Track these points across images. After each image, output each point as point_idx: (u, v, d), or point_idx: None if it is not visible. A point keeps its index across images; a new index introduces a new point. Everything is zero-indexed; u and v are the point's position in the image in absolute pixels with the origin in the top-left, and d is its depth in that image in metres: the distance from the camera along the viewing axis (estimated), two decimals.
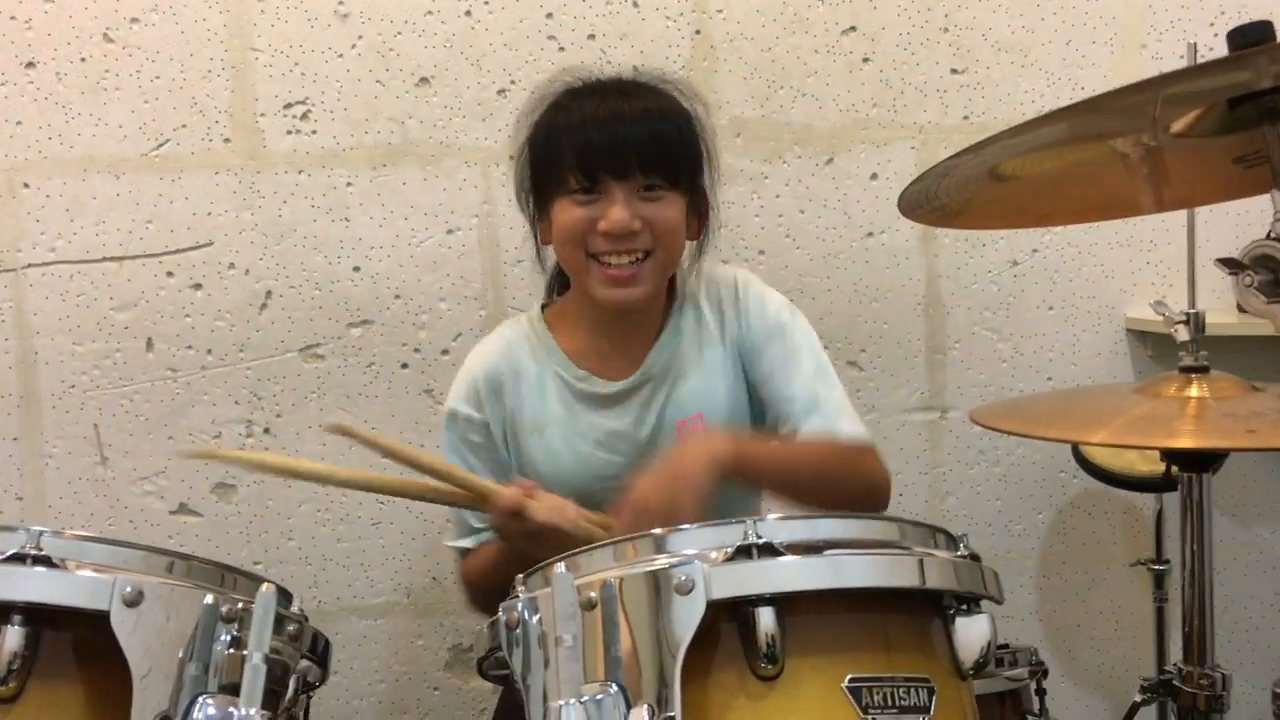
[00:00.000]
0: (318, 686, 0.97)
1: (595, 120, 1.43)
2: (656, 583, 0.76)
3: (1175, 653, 1.77)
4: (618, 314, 1.51)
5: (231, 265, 1.92)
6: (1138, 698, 1.55)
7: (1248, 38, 0.90)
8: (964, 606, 0.85)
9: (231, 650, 0.78)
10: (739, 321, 1.54)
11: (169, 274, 1.91)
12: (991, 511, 2.09)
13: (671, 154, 1.44)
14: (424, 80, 1.93)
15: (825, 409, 1.45)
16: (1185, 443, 1.15)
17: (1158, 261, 2.06)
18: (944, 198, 1.15)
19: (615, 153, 1.40)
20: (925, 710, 0.78)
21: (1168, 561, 1.96)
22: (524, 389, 1.54)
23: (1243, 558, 2.14)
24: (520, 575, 0.87)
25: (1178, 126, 1.04)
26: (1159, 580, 1.97)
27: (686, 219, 1.48)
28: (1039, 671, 1.15)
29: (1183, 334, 1.33)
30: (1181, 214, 1.92)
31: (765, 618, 0.75)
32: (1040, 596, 2.12)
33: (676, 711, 0.73)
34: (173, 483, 1.95)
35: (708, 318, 1.55)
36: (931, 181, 1.11)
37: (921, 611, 0.84)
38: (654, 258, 1.44)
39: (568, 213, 1.43)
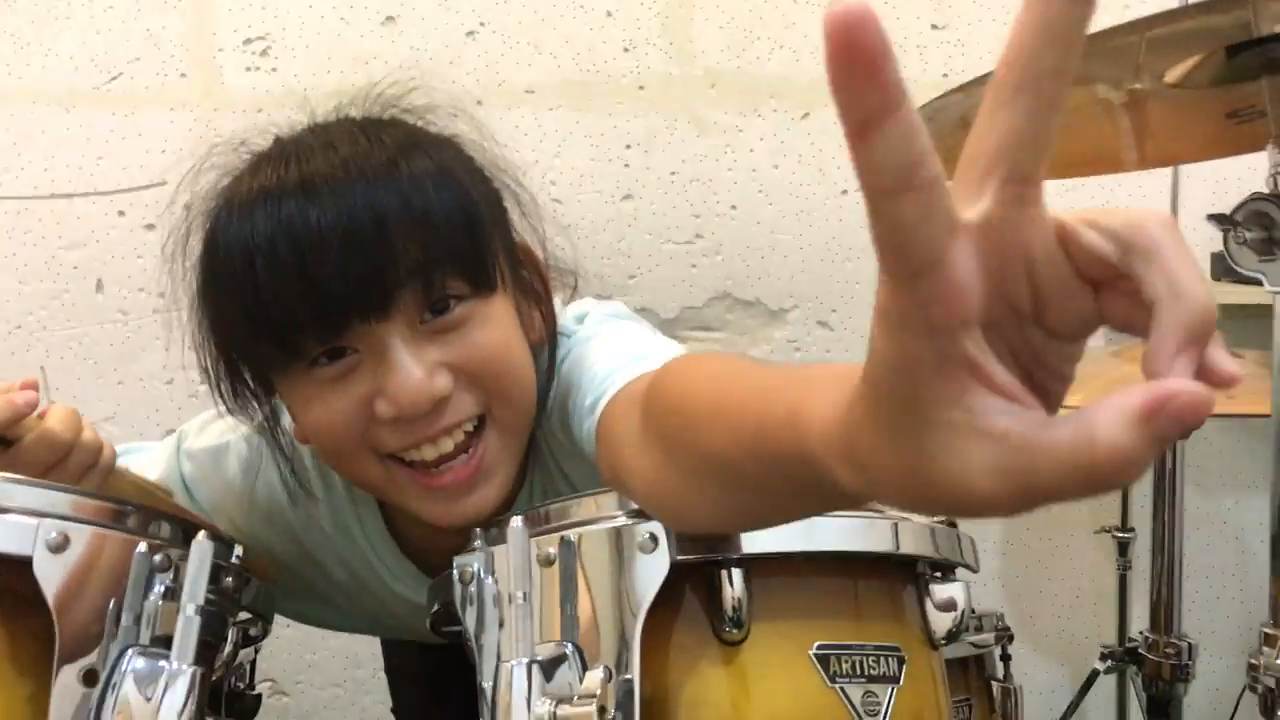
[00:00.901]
0: (260, 640, 0.93)
1: (298, 212, 0.81)
2: (619, 540, 0.73)
3: (1136, 622, 1.76)
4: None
5: (186, 206, 1.85)
6: (1099, 665, 1.54)
7: None
8: (938, 574, 0.82)
9: (165, 601, 0.73)
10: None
11: (120, 213, 1.84)
12: None
13: (447, 240, 0.84)
14: (390, 19, 1.87)
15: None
16: None
17: None
18: None
19: (342, 278, 0.80)
20: (895, 680, 0.75)
21: (1133, 530, 1.95)
22: (317, 552, 1.06)
23: (1205, 528, 2.14)
24: (479, 529, 0.82)
25: (1172, 76, 1.01)
26: (1123, 548, 1.96)
27: (521, 322, 0.91)
28: (1004, 637, 1.13)
29: None
30: (1160, 181, 1.89)
31: (732, 580, 0.72)
32: (1003, 562, 2.11)
33: (635, 674, 0.69)
34: (122, 428, 1.89)
35: (550, 443, 0.98)
36: None
37: (895, 578, 0.81)
38: (495, 422, 0.88)
39: (317, 406, 0.85)
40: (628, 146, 1.92)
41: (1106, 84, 1.00)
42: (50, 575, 0.67)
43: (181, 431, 1.08)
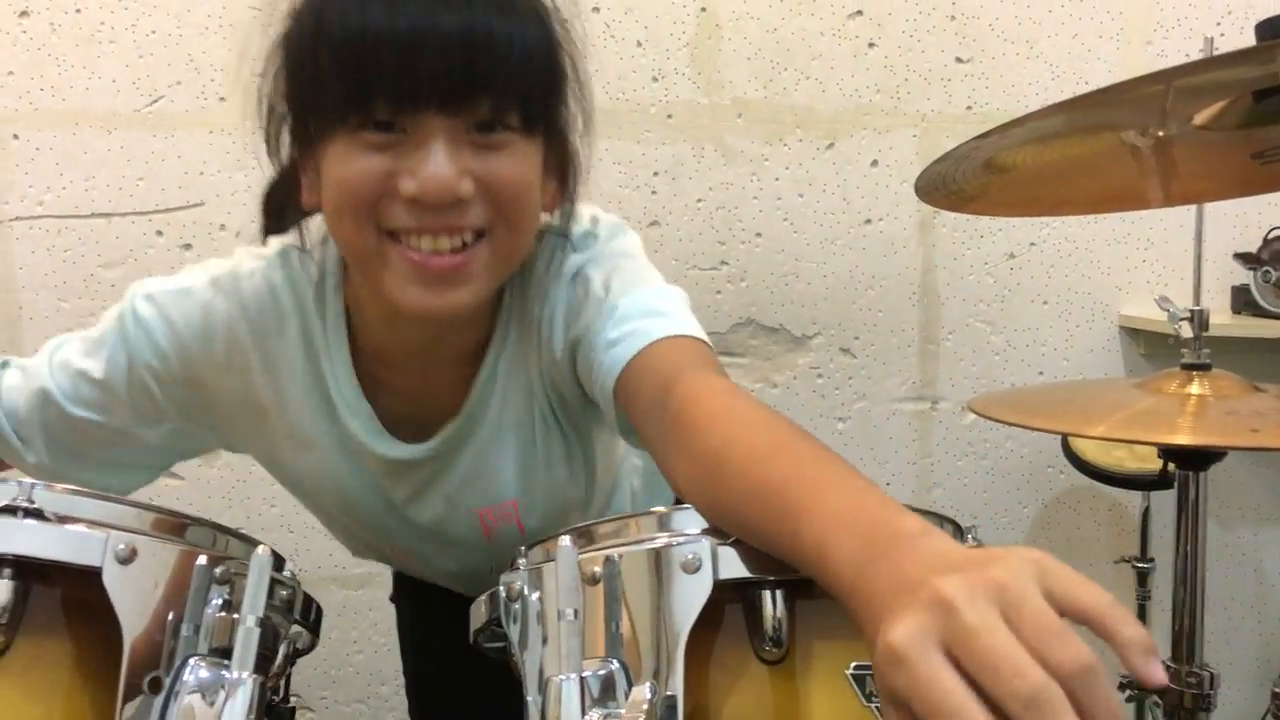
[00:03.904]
0: (306, 653, 0.95)
1: (398, 8, 0.87)
2: (662, 560, 0.75)
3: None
4: (426, 329, 1.03)
5: (222, 226, 1.89)
6: (1118, 694, 1.55)
7: (1277, 30, 0.89)
8: None
9: (223, 613, 0.76)
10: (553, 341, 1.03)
11: (158, 233, 1.88)
12: (978, 504, 2.09)
13: (525, 75, 0.90)
14: None
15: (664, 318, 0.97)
16: (1185, 439, 1.15)
17: (1154, 259, 2.05)
18: (960, 182, 1.14)
19: (433, 66, 0.86)
20: None
21: (1152, 560, 1.96)
22: (281, 379, 1.07)
23: (1224, 558, 2.15)
24: (522, 547, 0.85)
25: (1200, 119, 1.03)
26: (1142, 578, 1.98)
27: (544, 179, 0.98)
28: None
29: (1186, 331, 1.32)
30: (1179, 213, 1.92)
31: (773, 601, 0.74)
32: None
33: (679, 690, 0.71)
34: None
35: (536, 336, 1.04)
36: (951, 164, 1.10)
37: None
38: (492, 240, 0.94)
39: (349, 163, 0.90)
40: (655, 174, 1.96)
41: (1134, 130, 1.03)
42: (119, 586, 0.69)
43: (134, 289, 1.09)
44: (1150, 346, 2.05)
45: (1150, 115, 1.02)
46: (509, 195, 0.92)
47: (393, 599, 1.54)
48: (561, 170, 1.01)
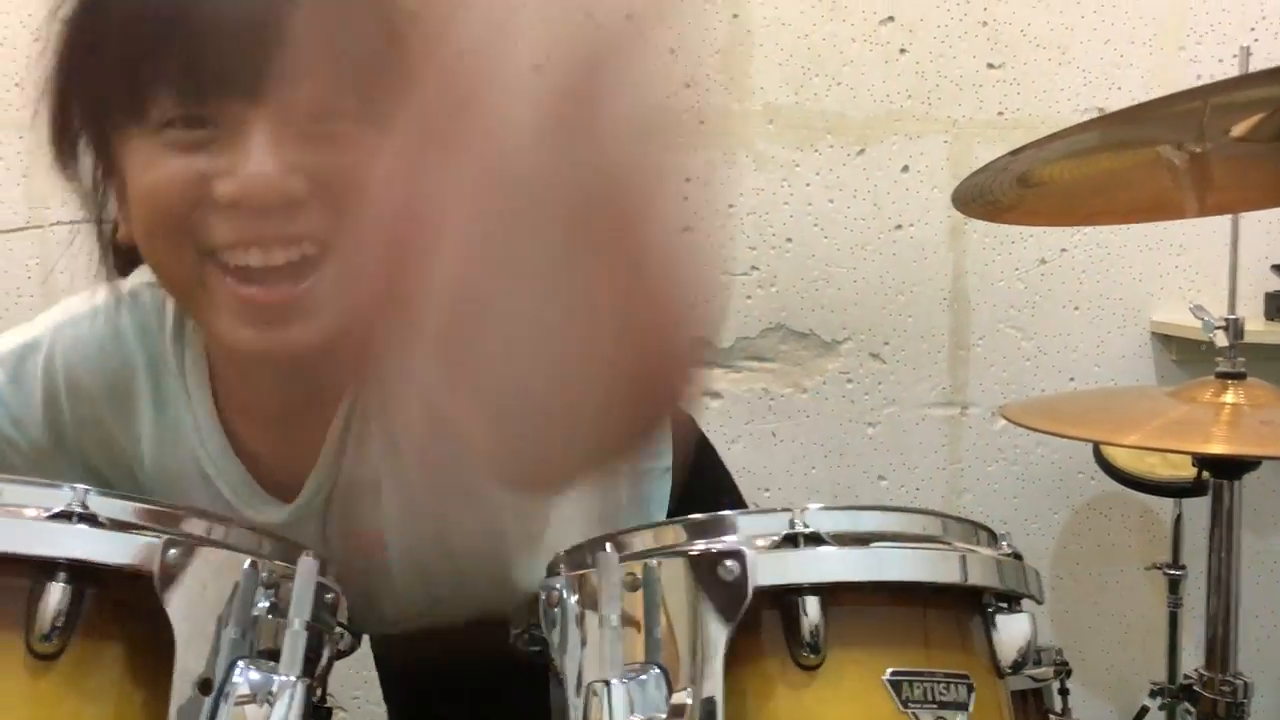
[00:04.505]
0: (347, 654, 0.97)
1: None
2: (701, 566, 0.76)
3: (1188, 659, 1.77)
4: (281, 372, 0.87)
5: None
6: (1148, 702, 1.55)
7: None
8: (1004, 605, 0.85)
9: (269, 616, 0.77)
10: None
11: None
12: (1008, 509, 2.09)
13: (361, 48, 0.69)
14: None
15: None
16: (1220, 448, 1.15)
17: (1186, 265, 2.05)
18: (996, 194, 1.15)
19: (240, 43, 0.72)
20: (964, 707, 0.78)
21: (1184, 567, 1.96)
22: (141, 438, 0.93)
23: (1256, 566, 2.14)
24: (561, 552, 0.86)
25: (1237, 131, 1.03)
26: (1174, 585, 1.97)
27: None
28: (1063, 671, 1.14)
29: (1221, 339, 1.32)
30: (1212, 219, 1.91)
31: (810, 607, 0.75)
32: (1053, 596, 2.12)
33: (719, 694, 0.72)
34: None
35: None
36: (986, 177, 1.10)
37: (962, 608, 0.83)
38: (333, 256, 0.75)
39: (153, 168, 0.75)
40: (687, 179, 1.96)
41: (1170, 145, 1.03)
42: (172, 591, 0.71)
43: None
44: (1182, 352, 2.05)
45: (1186, 130, 1.02)
46: (352, 196, 0.71)
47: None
48: None
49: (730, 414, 1.98)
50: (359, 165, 0.74)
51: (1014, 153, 1.03)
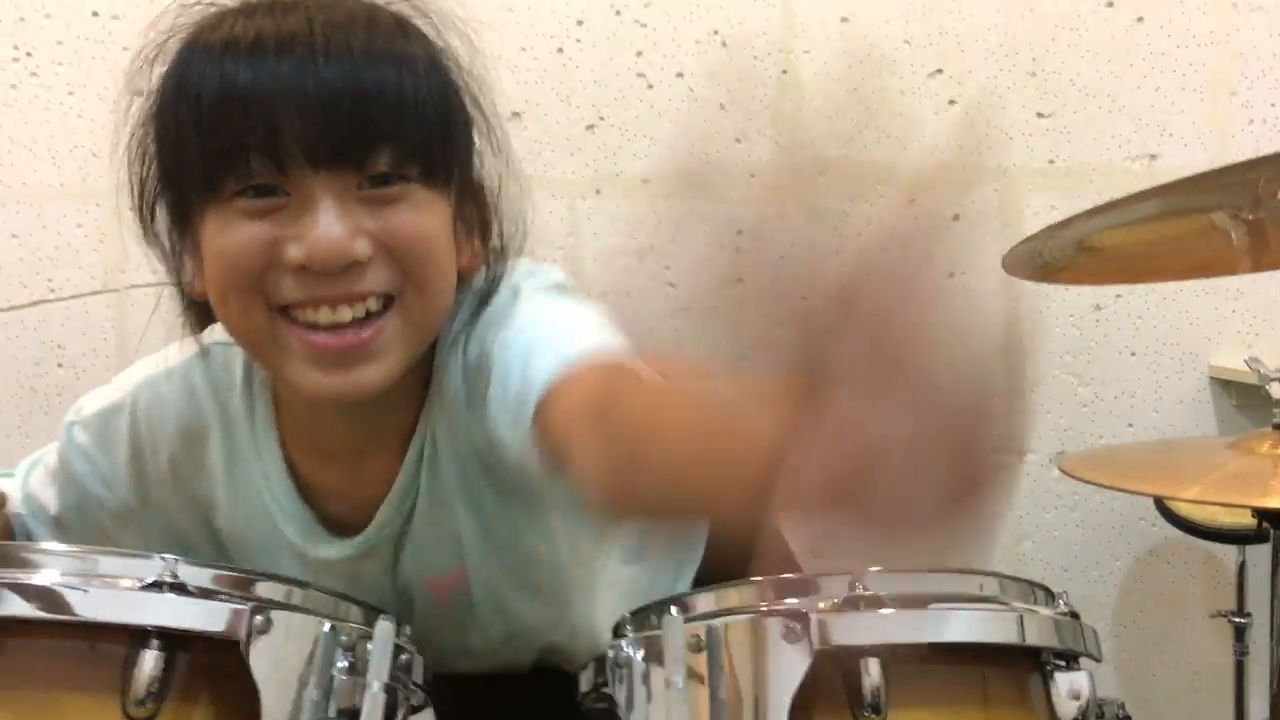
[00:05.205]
0: (419, 711, 1.00)
1: (269, 56, 0.79)
2: (764, 629, 0.78)
3: (1255, 709, 1.74)
4: (349, 414, 0.93)
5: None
6: None
7: None
8: (1062, 663, 0.86)
9: (347, 676, 0.80)
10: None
11: None
12: (1068, 557, 2.07)
13: (416, 120, 0.83)
14: (515, 114, 1.97)
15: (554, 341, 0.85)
16: (1278, 502, 1.15)
17: (1244, 310, 2.04)
18: (1047, 257, 1.16)
19: (307, 119, 0.79)
20: None
21: (1249, 615, 1.93)
22: (215, 486, 1.01)
23: None
24: (628, 613, 0.88)
25: None
26: (1240, 633, 1.94)
27: (456, 234, 0.89)
28: None
29: (1277, 391, 1.32)
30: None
31: (872, 668, 0.77)
32: (1116, 645, 2.10)
33: None
34: None
35: (459, 404, 0.93)
36: (1039, 241, 1.12)
37: (1020, 667, 0.85)
38: (401, 307, 0.85)
39: (227, 234, 0.82)
40: (739, 232, 1.99)
41: (1225, 212, 1.04)
42: (257, 655, 0.75)
43: (69, 417, 1.04)
44: (1242, 398, 2.03)
45: (1242, 198, 1.03)
46: (413, 253, 0.83)
47: None
48: (483, 224, 0.92)
49: None
50: (419, 223, 0.84)
51: (1063, 223, 1.05)
